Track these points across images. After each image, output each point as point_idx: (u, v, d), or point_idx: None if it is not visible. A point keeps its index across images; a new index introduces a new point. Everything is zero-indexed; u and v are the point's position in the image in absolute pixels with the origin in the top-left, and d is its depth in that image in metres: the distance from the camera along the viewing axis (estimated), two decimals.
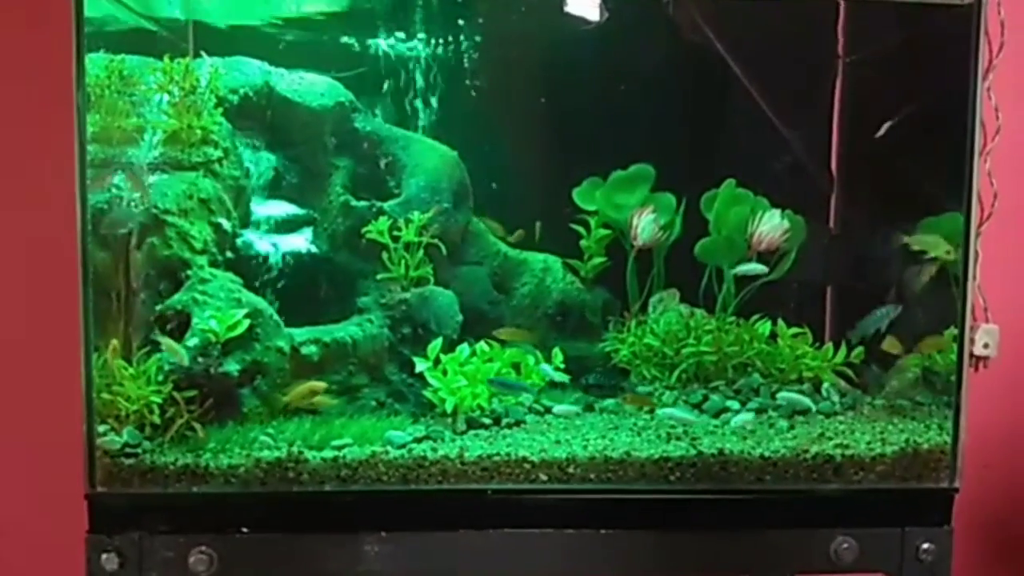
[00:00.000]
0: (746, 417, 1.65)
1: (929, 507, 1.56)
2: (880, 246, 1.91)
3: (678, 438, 1.60)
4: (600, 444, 1.58)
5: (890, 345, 1.77)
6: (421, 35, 1.86)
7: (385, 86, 1.87)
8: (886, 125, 1.85)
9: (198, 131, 1.68)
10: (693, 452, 1.56)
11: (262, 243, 1.76)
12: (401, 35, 1.86)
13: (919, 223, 1.81)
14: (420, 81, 1.87)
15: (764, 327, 1.83)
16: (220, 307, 1.60)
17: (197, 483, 1.49)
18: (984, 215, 1.98)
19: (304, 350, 1.67)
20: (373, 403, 1.72)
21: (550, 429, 1.66)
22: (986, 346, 2.03)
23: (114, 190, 1.60)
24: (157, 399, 1.52)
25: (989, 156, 1.97)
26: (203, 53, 1.74)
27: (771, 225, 1.83)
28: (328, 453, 1.53)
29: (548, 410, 1.72)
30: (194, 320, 1.58)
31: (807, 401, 1.71)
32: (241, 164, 1.77)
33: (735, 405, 1.73)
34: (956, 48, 1.61)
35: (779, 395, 1.72)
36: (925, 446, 1.59)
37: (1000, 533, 2.07)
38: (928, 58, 1.80)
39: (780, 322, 1.84)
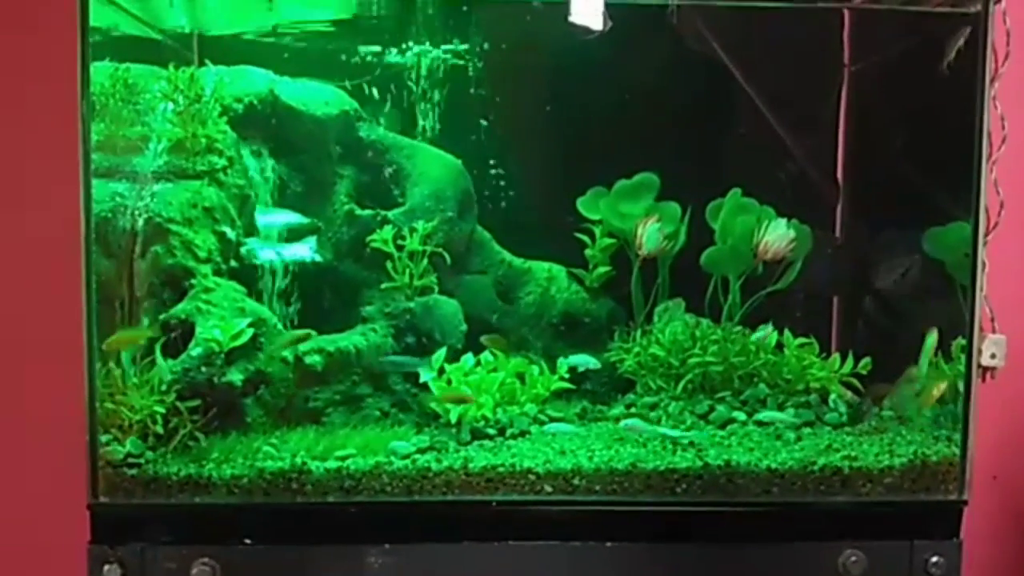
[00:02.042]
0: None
1: (938, 520, 1.55)
2: (886, 255, 1.91)
3: (684, 449, 1.59)
4: (605, 455, 1.57)
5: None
6: (426, 45, 1.86)
7: (390, 95, 1.87)
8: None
9: (203, 140, 1.68)
10: (699, 464, 1.55)
11: (266, 252, 1.75)
12: (406, 44, 1.86)
13: (925, 232, 1.80)
14: (425, 90, 1.87)
15: (770, 337, 1.82)
16: (224, 316, 1.59)
17: (200, 494, 1.48)
18: (990, 224, 1.97)
19: (308, 359, 1.67)
20: (377, 413, 1.71)
21: (555, 440, 1.64)
22: (993, 356, 2.02)
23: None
24: (160, 409, 1.51)
25: (995, 165, 1.96)
26: (208, 62, 1.74)
27: (777, 234, 1.82)
28: (332, 464, 1.52)
29: (553, 420, 1.71)
30: (198, 329, 1.58)
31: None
32: (245, 173, 1.76)
33: (741, 416, 1.71)
34: (962, 57, 1.61)
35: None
36: (933, 458, 1.58)
37: (1009, 544, 2.05)
38: (934, 67, 1.79)
39: (787, 332, 1.83)
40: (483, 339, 1.74)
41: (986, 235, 1.96)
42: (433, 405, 1.67)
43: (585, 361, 1.74)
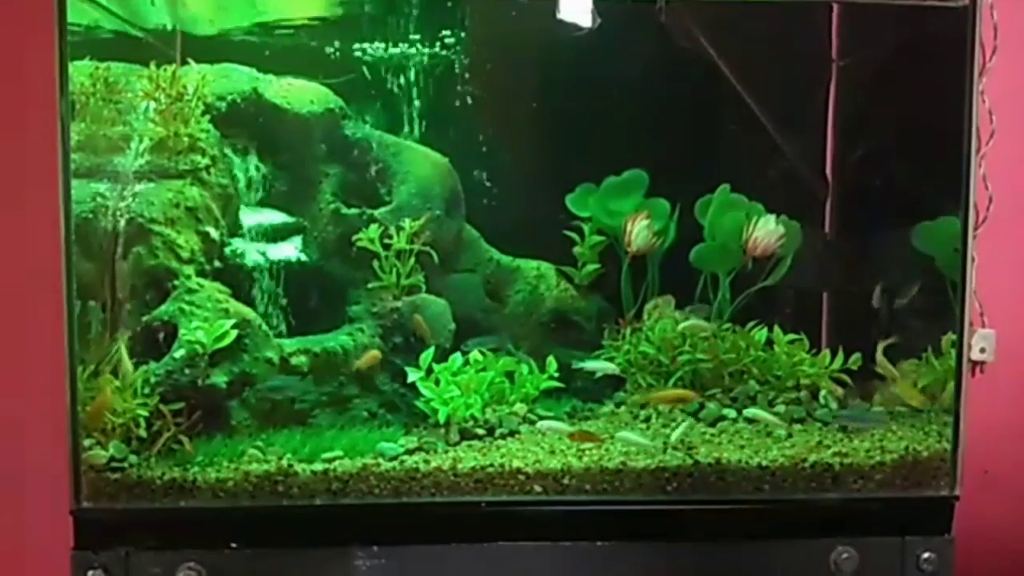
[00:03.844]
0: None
1: (929, 516, 1.55)
2: (876, 251, 1.90)
3: (675, 447, 1.58)
4: (596, 454, 1.56)
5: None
6: (413, 41, 1.85)
7: (376, 92, 1.85)
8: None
9: (185, 139, 1.66)
10: (690, 462, 1.54)
11: (251, 252, 1.73)
12: (392, 41, 1.84)
13: (915, 228, 1.79)
14: (412, 87, 1.85)
15: (760, 334, 1.81)
16: (207, 318, 1.57)
17: (185, 498, 1.47)
18: (979, 219, 1.96)
19: (294, 360, 1.65)
20: (364, 414, 1.69)
21: (544, 439, 1.63)
22: (983, 351, 2.01)
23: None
24: (144, 412, 1.49)
25: (984, 160, 1.96)
26: (190, 60, 1.71)
27: (766, 230, 1.81)
28: (318, 466, 1.51)
29: (543, 419, 1.70)
30: (181, 331, 1.56)
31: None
32: (229, 172, 1.74)
33: (731, 413, 1.71)
34: (950, 51, 1.60)
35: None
36: (924, 454, 1.57)
37: (1001, 539, 2.05)
38: (922, 62, 1.79)
39: (776, 328, 1.82)
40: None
41: (975, 230, 1.96)
42: (420, 404, 1.65)
43: (603, 366, 1.72)
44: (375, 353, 1.66)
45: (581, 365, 1.73)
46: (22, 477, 1.81)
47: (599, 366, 1.70)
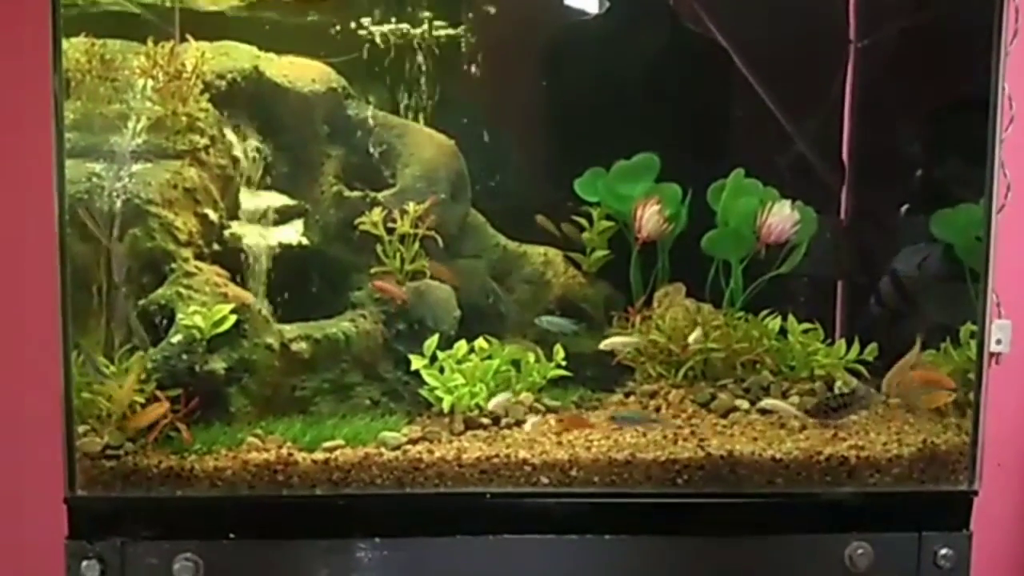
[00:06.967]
0: None
1: (947, 510, 1.51)
2: (893, 238, 1.86)
3: (685, 439, 1.54)
4: (604, 445, 1.52)
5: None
6: (418, 19, 1.80)
7: (380, 72, 1.81)
8: None
9: (183, 118, 1.62)
10: (701, 454, 1.50)
11: (251, 235, 1.69)
12: (398, 19, 1.79)
13: (934, 215, 1.75)
14: (417, 67, 1.81)
15: (774, 323, 1.77)
16: (206, 302, 1.53)
17: (182, 486, 1.43)
18: (997, 206, 1.92)
19: (294, 347, 1.61)
20: (367, 402, 1.66)
21: (550, 432, 1.59)
22: (999, 342, 1.98)
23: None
24: (140, 399, 1.45)
25: (1001, 146, 1.91)
26: (189, 37, 1.67)
27: (780, 216, 1.76)
28: (319, 455, 1.47)
29: (550, 410, 1.66)
30: (178, 316, 1.52)
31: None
32: (229, 152, 1.70)
33: (744, 404, 1.67)
34: (972, 35, 1.56)
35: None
36: (942, 447, 1.53)
37: (1014, 532, 2.02)
38: (943, 45, 1.74)
39: (790, 317, 1.78)
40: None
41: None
42: (424, 392, 1.61)
43: (626, 341, 1.67)
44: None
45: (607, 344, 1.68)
46: (15, 465, 1.78)
47: (623, 341, 1.64)
